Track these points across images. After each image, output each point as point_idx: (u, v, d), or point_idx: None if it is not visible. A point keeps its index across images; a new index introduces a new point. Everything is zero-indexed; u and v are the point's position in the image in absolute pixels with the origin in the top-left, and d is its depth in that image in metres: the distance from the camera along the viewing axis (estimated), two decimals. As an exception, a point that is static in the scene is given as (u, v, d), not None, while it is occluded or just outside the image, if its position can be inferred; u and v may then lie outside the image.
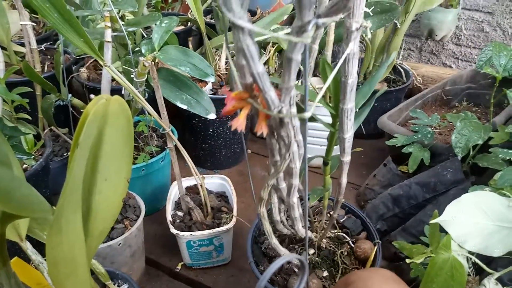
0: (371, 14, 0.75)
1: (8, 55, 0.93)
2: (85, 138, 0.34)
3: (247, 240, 0.58)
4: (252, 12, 1.28)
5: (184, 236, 0.66)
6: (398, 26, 0.94)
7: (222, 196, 0.77)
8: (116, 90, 0.65)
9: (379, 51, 1.00)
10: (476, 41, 1.29)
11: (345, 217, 0.63)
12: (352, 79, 0.37)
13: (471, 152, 0.69)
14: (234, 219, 0.68)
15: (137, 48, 0.71)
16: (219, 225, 0.70)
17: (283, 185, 0.43)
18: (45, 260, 0.48)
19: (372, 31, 0.91)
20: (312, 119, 0.43)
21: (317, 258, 0.58)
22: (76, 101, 0.73)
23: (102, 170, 0.37)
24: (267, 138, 0.38)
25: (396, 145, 0.77)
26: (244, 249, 0.75)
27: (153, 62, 0.56)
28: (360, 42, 0.94)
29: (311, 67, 0.54)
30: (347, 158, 0.46)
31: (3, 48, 0.92)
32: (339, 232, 0.61)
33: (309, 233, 0.52)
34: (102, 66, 0.93)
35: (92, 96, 0.70)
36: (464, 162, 0.71)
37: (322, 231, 0.58)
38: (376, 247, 0.57)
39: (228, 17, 0.24)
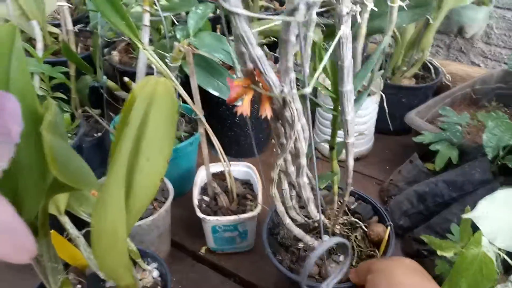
0: (405, 8, 0.75)
1: (43, 36, 0.95)
2: (133, 118, 0.35)
3: (262, 232, 0.59)
4: (281, 2, 1.28)
5: (210, 220, 0.67)
6: (431, 21, 0.93)
7: (247, 184, 0.79)
8: (147, 74, 0.66)
9: (409, 47, 0.99)
10: (507, 40, 1.26)
11: (356, 203, 0.65)
12: (347, 62, 0.40)
13: (501, 153, 0.68)
14: (259, 207, 0.69)
15: (170, 34, 0.72)
16: (244, 212, 0.71)
17: (291, 169, 0.46)
18: (82, 234, 0.50)
19: (404, 25, 0.90)
20: (314, 103, 0.44)
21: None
22: (110, 83, 0.74)
23: (145, 150, 0.38)
24: (271, 123, 0.41)
25: (424, 142, 0.77)
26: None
27: (190, 47, 0.57)
28: (391, 37, 0.93)
29: (308, 54, 0.53)
30: (351, 139, 0.48)
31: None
32: (351, 218, 0.62)
33: (322, 217, 0.53)
34: (133, 50, 0.95)
35: (126, 79, 0.72)
36: (493, 162, 0.70)
37: (335, 218, 0.59)
38: (389, 229, 0.58)
39: (224, 7, 0.26)
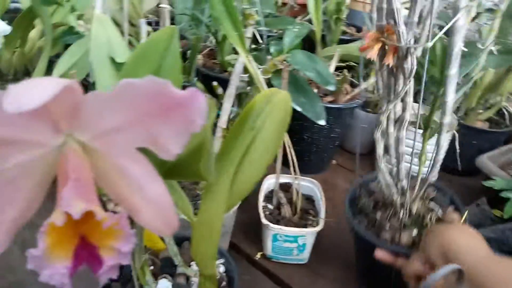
0: (494, 53, 0.75)
1: (136, 32, 1.02)
2: (252, 124, 0.38)
3: (345, 200, 0.67)
4: (358, 28, 1.31)
5: (274, 228, 0.70)
6: (514, 68, 0.92)
7: (309, 199, 0.81)
8: (225, 81, 0.69)
9: (486, 90, 0.98)
10: None
11: (435, 193, 0.69)
12: (457, 49, 0.48)
13: None
14: (321, 223, 0.71)
15: (260, 47, 0.77)
16: (305, 226, 0.73)
17: (391, 130, 0.57)
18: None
19: (491, 69, 0.90)
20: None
21: (406, 219, 0.64)
22: (199, 85, 0.79)
23: (252, 153, 0.41)
24: (386, 77, 0.53)
25: (494, 188, 0.76)
26: (322, 254, 0.78)
27: (286, 63, 0.61)
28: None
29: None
30: (447, 119, 0.55)
31: (132, 25, 1.02)
32: (429, 203, 0.67)
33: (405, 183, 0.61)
34: (216, 57, 1.00)
35: (214, 83, 0.77)
36: None
37: (414, 197, 0.64)
38: (464, 216, 0.63)
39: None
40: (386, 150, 0.60)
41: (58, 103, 0.22)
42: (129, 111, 0.23)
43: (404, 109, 0.54)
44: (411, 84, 0.51)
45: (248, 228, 0.83)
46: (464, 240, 0.45)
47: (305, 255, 0.75)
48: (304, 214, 0.76)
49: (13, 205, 0.25)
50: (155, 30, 0.98)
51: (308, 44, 1.15)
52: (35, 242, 0.67)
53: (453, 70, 0.50)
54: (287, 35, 0.67)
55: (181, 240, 0.61)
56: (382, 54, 0.50)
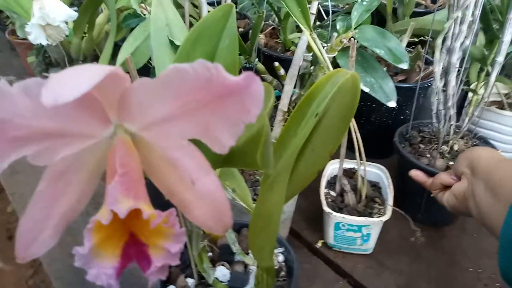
0: None
1: (197, 13, 1.01)
2: (315, 109, 0.35)
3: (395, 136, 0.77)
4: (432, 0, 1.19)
5: (336, 216, 0.66)
6: None
7: (375, 186, 0.76)
8: (287, 61, 0.65)
9: None
10: None
11: (477, 140, 0.76)
12: None
13: None
14: (389, 212, 0.66)
15: (325, 23, 0.72)
16: (370, 214, 0.69)
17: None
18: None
19: None
20: None
21: (447, 155, 0.73)
22: (260, 66, 0.76)
23: (314, 140, 0.38)
24: None
25: None
26: (387, 245, 0.73)
27: (353, 40, 0.56)
28: None
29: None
30: (501, 58, 0.64)
31: (194, 6, 1.01)
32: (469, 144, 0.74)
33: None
34: (279, 35, 0.97)
35: (276, 63, 0.73)
36: None
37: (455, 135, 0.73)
38: None
39: None
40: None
41: (104, 91, 0.20)
42: (178, 99, 0.21)
43: (462, 22, 0.61)
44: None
45: (309, 215, 0.80)
46: (486, 151, 0.49)
47: (370, 245, 0.71)
48: (369, 202, 0.71)
49: (63, 199, 0.24)
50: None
51: (377, 18, 1.07)
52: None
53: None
54: (356, 9, 0.62)
55: (239, 227, 0.59)
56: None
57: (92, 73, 0.18)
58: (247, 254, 0.56)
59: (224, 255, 0.56)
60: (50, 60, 1.00)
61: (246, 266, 0.55)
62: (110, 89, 0.21)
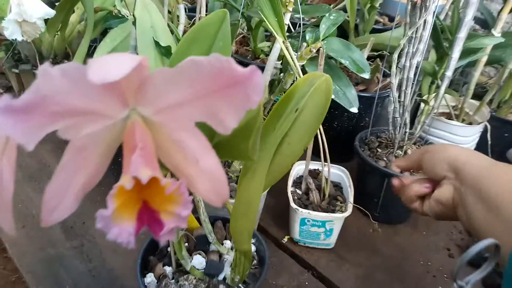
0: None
1: (170, 18, 1.05)
2: (293, 107, 0.40)
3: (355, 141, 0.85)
4: (390, 17, 1.29)
5: (302, 212, 0.71)
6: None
7: (337, 186, 0.82)
8: (258, 67, 0.70)
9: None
10: None
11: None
12: (467, 19, 0.66)
13: None
14: (350, 209, 0.72)
15: (294, 34, 0.77)
16: (333, 212, 0.75)
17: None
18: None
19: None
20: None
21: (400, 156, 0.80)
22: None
23: (291, 134, 0.43)
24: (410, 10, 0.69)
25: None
26: (347, 240, 0.79)
27: (322, 49, 0.62)
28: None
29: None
30: (449, 73, 0.71)
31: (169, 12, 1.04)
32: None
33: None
34: (249, 44, 1.02)
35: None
36: None
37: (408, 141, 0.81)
38: None
39: None
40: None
41: (128, 78, 0.24)
42: (193, 87, 0.25)
43: (420, 41, 0.69)
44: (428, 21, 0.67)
45: (275, 212, 0.85)
46: (467, 152, 0.45)
47: (332, 240, 0.77)
48: (332, 200, 0.77)
49: (83, 171, 0.27)
50: (189, 17, 1.00)
51: (340, 32, 1.15)
52: (74, 218, 0.70)
53: (461, 34, 0.67)
54: (324, 22, 0.68)
55: (214, 220, 0.63)
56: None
57: (129, 60, 0.22)
58: (222, 244, 0.60)
59: (200, 245, 0.60)
60: (19, 57, 1.00)
61: (220, 255, 0.59)
62: (132, 76, 0.25)
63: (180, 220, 0.26)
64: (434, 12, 0.66)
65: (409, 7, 0.68)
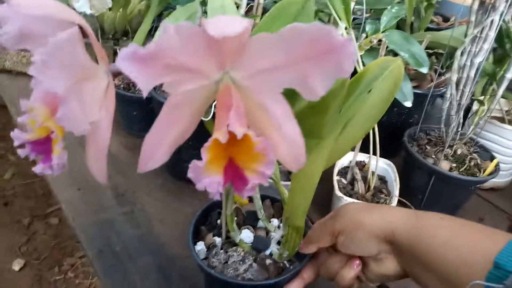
0: None
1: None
2: (368, 85, 0.41)
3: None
4: (444, 18, 1.27)
5: (347, 201, 0.72)
6: None
7: (382, 180, 0.82)
8: None
9: None
10: None
11: (478, 148, 0.84)
12: None
13: None
14: (395, 201, 0.73)
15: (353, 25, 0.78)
16: (377, 203, 0.75)
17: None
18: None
19: None
20: None
21: (451, 158, 0.80)
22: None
23: (358, 115, 0.44)
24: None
25: None
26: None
27: (384, 40, 0.62)
28: None
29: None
30: (510, 74, 0.71)
31: None
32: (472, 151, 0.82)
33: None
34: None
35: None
36: None
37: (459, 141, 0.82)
38: (496, 165, 0.78)
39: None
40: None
41: (232, 39, 0.26)
42: (291, 52, 0.27)
43: (485, 41, 0.68)
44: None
45: (318, 199, 0.85)
46: (383, 216, 0.41)
47: (373, 232, 0.77)
48: (376, 193, 0.78)
49: (176, 126, 0.30)
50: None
51: (396, 28, 1.14)
52: (126, 187, 0.74)
53: None
54: (385, 15, 0.68)
55: (263, 198, 0.65)
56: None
57: (241, 20, 0.24)
58: (269, 222, 0.62)
59: (248, 220, 0.62)
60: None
61: (267, 232, 0.61)
62: (236, 38, 0.26)
63: (263, 178, 0.28)
64: (502, 13, 0.65)
65: (476, 6, 0.68)
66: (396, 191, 0.75)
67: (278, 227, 0.62)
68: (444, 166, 0.77)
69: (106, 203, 0.79)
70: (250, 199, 0.63)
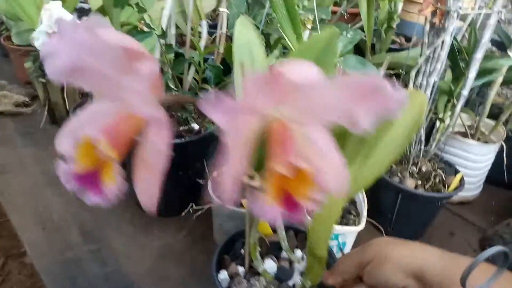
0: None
1: (193, 34, 1.08)
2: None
3: None
4: (407, 38, 1.31)
5: (316, 225, 0.72)
6: None
7: (351, 201, 0.83)
8: None
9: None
10: None
11: (442, 164, 0.84)
12: (484, 40, 0.70)
13: None
14: (363, 223, 0.73)
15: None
16: (346, 225, 0.75)
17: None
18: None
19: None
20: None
21: (416, 175, 0.81)
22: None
23: (381, 148, 0.44)
24: (428, 31, 0.72)
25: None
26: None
27: (339, 66, 0.63)
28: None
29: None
30: (466, 92, 0.74)
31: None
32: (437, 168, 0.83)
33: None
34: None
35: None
36: None
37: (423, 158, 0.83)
38: (460, 179, 0.80)
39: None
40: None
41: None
42: (345, 98, 0.28)
43: (437, 61, 0.71)
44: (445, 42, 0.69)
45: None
46: (413, 252, 0.41)
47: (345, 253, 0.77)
48: (346, 214, 0.78)
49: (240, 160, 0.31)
50: (209, 33, 1.03)
51: (357, 51, 1.17)
52: (93, 223, 0.72)
53: (478, 55, 0.70)
54: (341, 40, 0.70)
55: (287, 229, 0.63)
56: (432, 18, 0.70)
57: (313, 67, 0.27)
58: (293, 253, 0.61)
59: (272, 250, 0.61)
60: (47, 67, 1.04)
61: (291, 263, 0.60)
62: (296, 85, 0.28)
63: (317, 204, 0.29)
64: (451, 33, 0.68)
65: (428, 27, 0.70)
66: (364, 212, 0.76)
67: (302, 258, 0.61)
68: (410, 184, 0.78)
69: (72, 241, 0.77)
70: (274, 230, 0.63)
